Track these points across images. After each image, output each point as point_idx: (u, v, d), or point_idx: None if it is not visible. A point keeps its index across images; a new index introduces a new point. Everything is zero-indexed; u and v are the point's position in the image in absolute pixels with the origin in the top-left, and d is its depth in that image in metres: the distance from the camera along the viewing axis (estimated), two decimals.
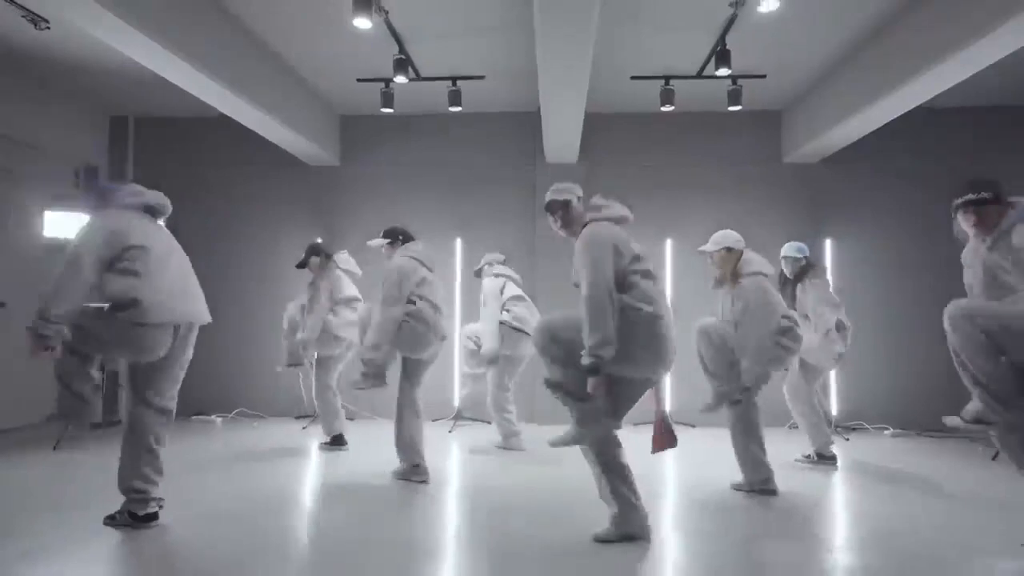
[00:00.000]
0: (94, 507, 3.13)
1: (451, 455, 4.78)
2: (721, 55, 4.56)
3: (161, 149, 6.63)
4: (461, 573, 2.59)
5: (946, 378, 5.16)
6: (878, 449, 5.10)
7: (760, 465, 3.69)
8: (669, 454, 4.14)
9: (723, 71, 4.63)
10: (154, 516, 3.04)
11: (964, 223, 2.86)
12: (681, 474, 4.30)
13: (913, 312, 5.92)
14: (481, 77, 5.49)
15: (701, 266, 4.52)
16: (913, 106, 4.98)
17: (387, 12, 4.30)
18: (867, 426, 5.88)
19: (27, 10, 4.17)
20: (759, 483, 3.69)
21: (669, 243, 6.28)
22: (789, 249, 4.57)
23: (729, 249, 3.83)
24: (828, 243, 6.14)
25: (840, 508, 3.59)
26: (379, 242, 4.11)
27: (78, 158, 6.23)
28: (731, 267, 3.79)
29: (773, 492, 3.66)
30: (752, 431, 3.71)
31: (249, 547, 2.78)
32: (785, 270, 4.58)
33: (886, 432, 5.76)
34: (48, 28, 4.38)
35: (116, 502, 3.01)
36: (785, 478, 3.86)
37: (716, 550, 2.81)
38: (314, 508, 3.44)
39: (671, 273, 6.26)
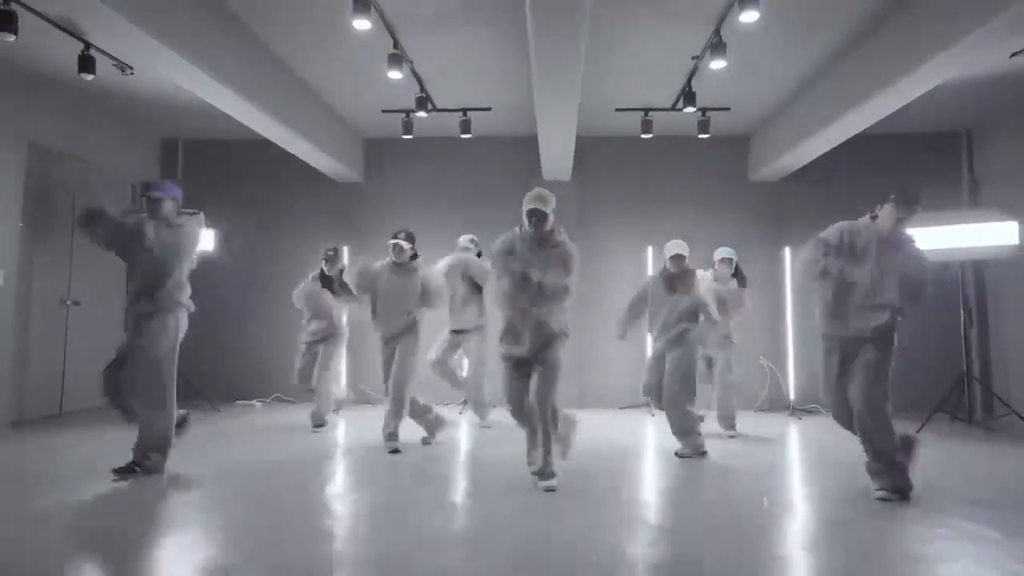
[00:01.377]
0: (197, 462, 4.03)
1: (461, 428, 5.71)
2: (688, 95, 5.49)
3: (206, 168, 7.55)
4: (469, 483, 3.50)
5: None
6: (826, 427, 6.00)
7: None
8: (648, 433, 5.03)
9: (690, 109, 5.55)
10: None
11: (892, 218, 3.50)
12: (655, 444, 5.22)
13: None
14: (488, 109, 6.42)
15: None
16: (854, 133, 5.89)
17: (412, 62, 5.23)
18: (821, 409, 6.77)
19: (117, 60, 5.09)
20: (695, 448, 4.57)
21: (650, 250, 7.21)
22: (728, 252, 5.44)
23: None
24: (787, 250, 7.07)
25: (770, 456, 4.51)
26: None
27: (134, 176, 7.14)
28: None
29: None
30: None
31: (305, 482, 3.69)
32: (724, 269, 5.41)
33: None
34: (132, 73, 5.30)
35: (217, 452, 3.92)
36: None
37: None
38: (367, 453, 4.36)
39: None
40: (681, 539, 2.84)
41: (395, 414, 4.64)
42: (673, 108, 6.20)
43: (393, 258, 4.76)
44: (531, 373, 3.71)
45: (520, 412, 3.73)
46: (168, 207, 3.86)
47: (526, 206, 3.66)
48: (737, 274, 5.44)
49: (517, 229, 3.79)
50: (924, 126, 6.86)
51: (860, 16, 4.67)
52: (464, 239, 5.92)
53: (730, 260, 5.43)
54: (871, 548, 2.70)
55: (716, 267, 5.45)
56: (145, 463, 3.71)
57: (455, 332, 5.77)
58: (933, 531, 2.91)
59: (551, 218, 3.71)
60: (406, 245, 4.75)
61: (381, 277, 4.77)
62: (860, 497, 3.44)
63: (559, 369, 3.67)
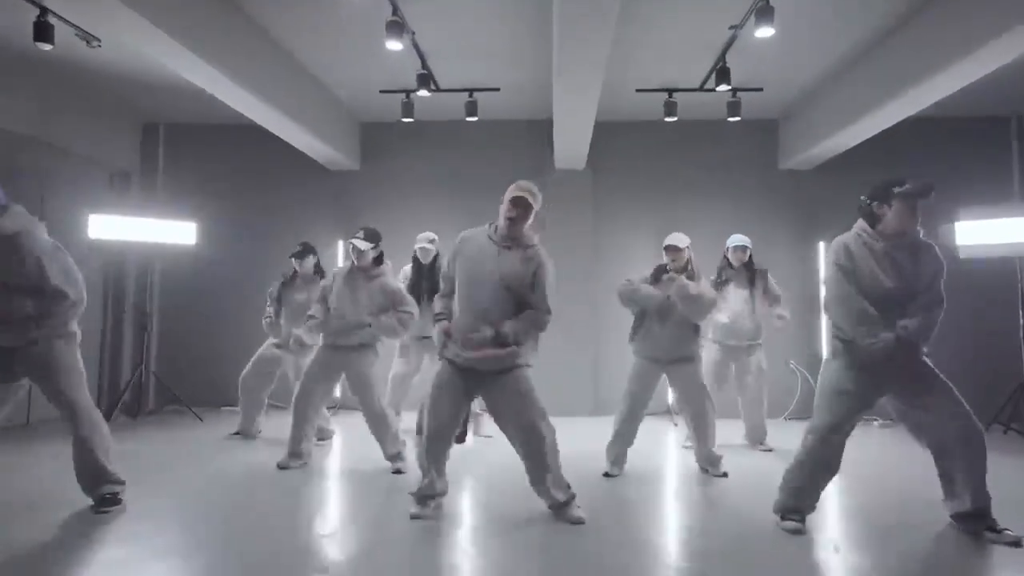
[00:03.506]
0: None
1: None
2: (721, 72, 4.94)
3: (190, 155, 6.99)
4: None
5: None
6: (865, 435, 5.52)
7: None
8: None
9: (723, 87, 5.00)
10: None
11: (905, 215, 2.92)
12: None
13: None
14: (496, 89, 5.86)
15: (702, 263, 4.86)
16: (901, 118, 5.36)
17: (414, 32, 4.66)
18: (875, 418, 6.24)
19: (81, 29, 4.52)
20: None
21: None
22: (742, 239, 4.93)
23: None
24: (821, 245, 6.53)
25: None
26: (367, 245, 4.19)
27: (112, 164, 6.58)
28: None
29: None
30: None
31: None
32: (733, 258, 4.92)
33: (875, 423, 6.15)
34: (99, 46, 4.74)
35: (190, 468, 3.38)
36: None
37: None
38: (362, 471, 3.84)
39: None
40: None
41: (386, 437, 4.13)
42: (702, 88, 5.64)
43: (354, 261, 4.17)
44: (471, 397, 3.27)
45: (440, 438, 3.19)
46: None
47: (510, 194, 3.27)
48: (749, 265, 4.93)
49: (487, 225, 3.40)
50: (968, 110, 6.30)
51: None
52: (423, 237, 5.22)
53: (744, 248, 4.91)
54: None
55: (729, 256, 4.95)
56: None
57: (422, 339, 5.12)
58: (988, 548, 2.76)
59: (532, 218, 3.30)
60: (363, 246, 4.13)
61: (336, 283, 4.20)
62: (922, 519, 2.95)
63: (534, 394, 3.18)
